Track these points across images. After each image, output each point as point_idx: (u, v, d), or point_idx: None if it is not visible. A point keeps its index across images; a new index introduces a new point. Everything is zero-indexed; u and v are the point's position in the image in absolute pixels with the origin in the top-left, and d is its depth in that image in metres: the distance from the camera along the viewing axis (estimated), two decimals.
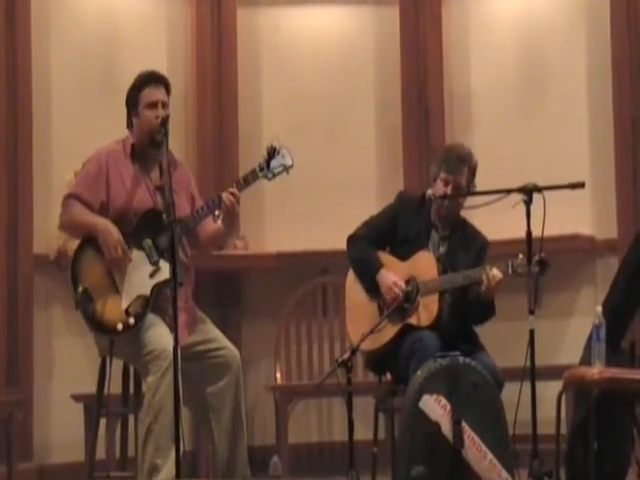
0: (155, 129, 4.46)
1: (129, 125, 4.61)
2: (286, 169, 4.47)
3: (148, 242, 4.45)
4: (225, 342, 4.57)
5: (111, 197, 4.49)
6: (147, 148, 4.55)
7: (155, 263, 4.43)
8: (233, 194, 4.45)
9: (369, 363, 4.87)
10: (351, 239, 4.84)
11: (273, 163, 4.46)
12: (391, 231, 4.80)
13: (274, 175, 4.48)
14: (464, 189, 4.74)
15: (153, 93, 4.50)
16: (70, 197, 4.51)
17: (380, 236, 4.80)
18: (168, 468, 4.17)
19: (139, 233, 4.46)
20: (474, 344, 4.72)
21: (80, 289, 4.32)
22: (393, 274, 4.68)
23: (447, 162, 4.75)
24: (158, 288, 4.39)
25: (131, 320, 4.32)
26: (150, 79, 4.54)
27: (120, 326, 4.32)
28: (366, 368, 4.97)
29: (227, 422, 4.50)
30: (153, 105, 4.49)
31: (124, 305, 4.35)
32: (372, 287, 4.72)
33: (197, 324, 4.59)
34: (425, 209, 4.80)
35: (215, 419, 4.50)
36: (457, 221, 4.85)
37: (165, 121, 4.44)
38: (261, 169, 4.47)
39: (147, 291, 4.38)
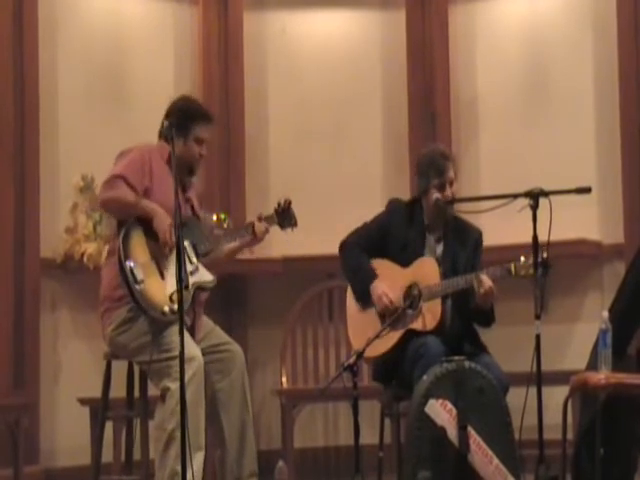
0: (196, 163, 4.68)
1: (166, 137, 4.48)
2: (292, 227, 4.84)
3: (187, 243, 4.49)
4: (228, 337, 4.66)
5: (155, 186, 4.54)
6: (182, 168, 4.63)
7: (194, 263, 4.52)
8: (267, 229, 4.73)
9: (376, 374, 4.86)
10: (343, 246, 4.85)
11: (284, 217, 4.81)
12: (383, 239, 4.80)
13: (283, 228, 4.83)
14: (454, 181, 4.75)
15: (205, 131, 4.69)
16: (117, 177, 4.49)
17: (371, 244, 4.81)
18: (189, 474, 4.19)
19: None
20: (477, 346, 4.72)
21: (129, 265, 4.35)
22: (384, 285, 4.68)
23: (434, 166, 4.74)
24: (197, 287, 4.49)
25: (176, 306, 4.32)
26: (207, 117, 4.71)
27: (167, 308, 4.36)
28: (373, 380, 4.97)
29: (236, 417, 4.54)
30: (201, 141, 4.67)
31: (168, 292, 4.37)
32: (364, 296, 4.73)
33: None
34: (417, 214, 4.80)
35: (225, 415, 4.54)
36: (449, 219, 4.84)
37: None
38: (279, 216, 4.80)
39: (188, 284, 4.41)
